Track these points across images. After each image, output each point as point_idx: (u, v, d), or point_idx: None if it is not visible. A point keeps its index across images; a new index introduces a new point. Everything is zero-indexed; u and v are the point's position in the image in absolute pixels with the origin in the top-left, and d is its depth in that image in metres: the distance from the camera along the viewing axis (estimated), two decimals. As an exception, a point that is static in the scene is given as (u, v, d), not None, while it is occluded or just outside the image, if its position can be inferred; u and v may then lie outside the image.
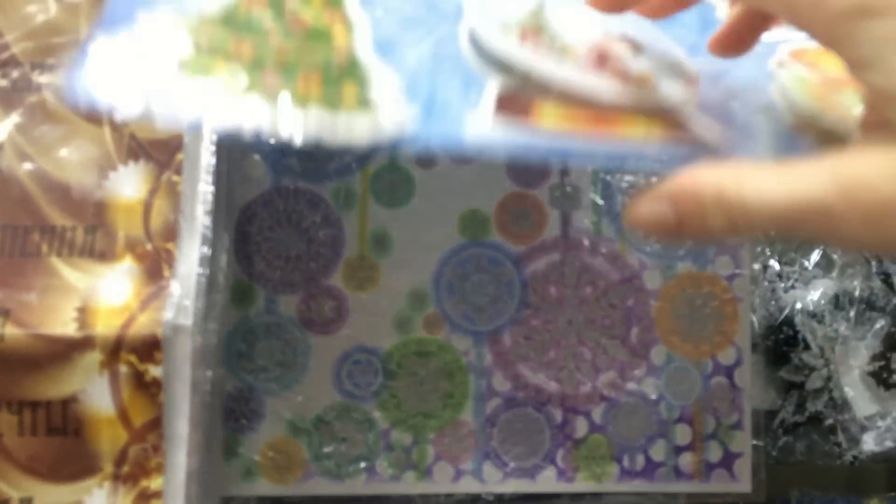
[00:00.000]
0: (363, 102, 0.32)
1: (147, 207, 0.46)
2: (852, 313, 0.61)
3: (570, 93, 0.35)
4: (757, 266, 0.70)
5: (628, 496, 0.60)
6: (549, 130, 0.34)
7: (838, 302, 0.65)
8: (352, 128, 0.31)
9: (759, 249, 0.70)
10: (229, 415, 0.56)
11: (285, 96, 0.31)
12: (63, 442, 0.44)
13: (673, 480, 0.60)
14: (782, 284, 0.69)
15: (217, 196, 0.48)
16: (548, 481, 0.59)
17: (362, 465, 0.57)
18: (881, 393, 0.59)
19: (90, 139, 0.47)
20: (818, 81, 0.39)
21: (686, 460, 0.60)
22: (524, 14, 0.38)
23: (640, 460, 0.60)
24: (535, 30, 0.37)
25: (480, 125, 0.34)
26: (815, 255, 0.69)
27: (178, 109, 0.30)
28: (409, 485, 0.58)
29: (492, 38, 0.36)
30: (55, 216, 0.46)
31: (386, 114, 0.32)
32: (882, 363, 0.59)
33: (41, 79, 0.48)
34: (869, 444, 0.58)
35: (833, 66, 0.40)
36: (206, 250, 0.46)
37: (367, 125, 0.32)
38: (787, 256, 0.69)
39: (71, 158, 0.46)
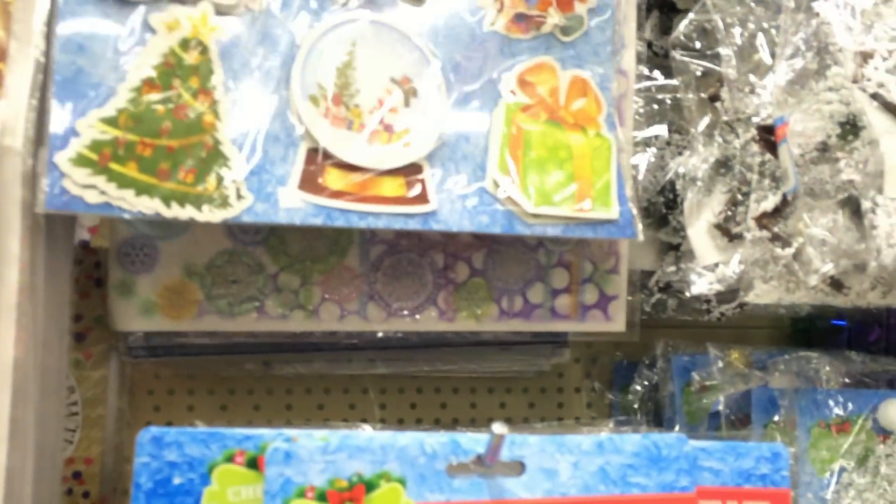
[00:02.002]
0: (220, 198, 0.50)
1: (-23, 26, 0.47)
2: (701, 173, 0.65)
3: (347, 162, 0.53)
4: (648, 133, 0.72)
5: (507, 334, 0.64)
6: (332, 190, 0.52)
7: (720, 166, 0.68)
8: (208, 217, 0.50)
9: (656, 118, 0.72)
10: (125, 257, 0.58)
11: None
12: None
13: (549, 320, 0.64)
14: (670, 151, 0.72)
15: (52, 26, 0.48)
16: (429, 321, 0.62)
17: (253, 304, 0.60)
18: (724, 244, 0.62)
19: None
20: None
21: (563, 302, 0.64)
22: (335, 71, 0.53)
23: (519, 302, 0.64)
24: (338, 93, 0.53)
25: (290, 200, 0.51)
26: (703, 123, 0.70)
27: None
28: (298, 322, 0.61)
29: (302, 112, 0.52)
30: None
31: (232, 202, 0.51)
32: (728, 214, 0.63)
33: None
34: (698, 286, 0.61)
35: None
36: (39, 76, 0.47)
37: (220, 216, 0.50)
38: (676, 124, 0.72)
39: None
